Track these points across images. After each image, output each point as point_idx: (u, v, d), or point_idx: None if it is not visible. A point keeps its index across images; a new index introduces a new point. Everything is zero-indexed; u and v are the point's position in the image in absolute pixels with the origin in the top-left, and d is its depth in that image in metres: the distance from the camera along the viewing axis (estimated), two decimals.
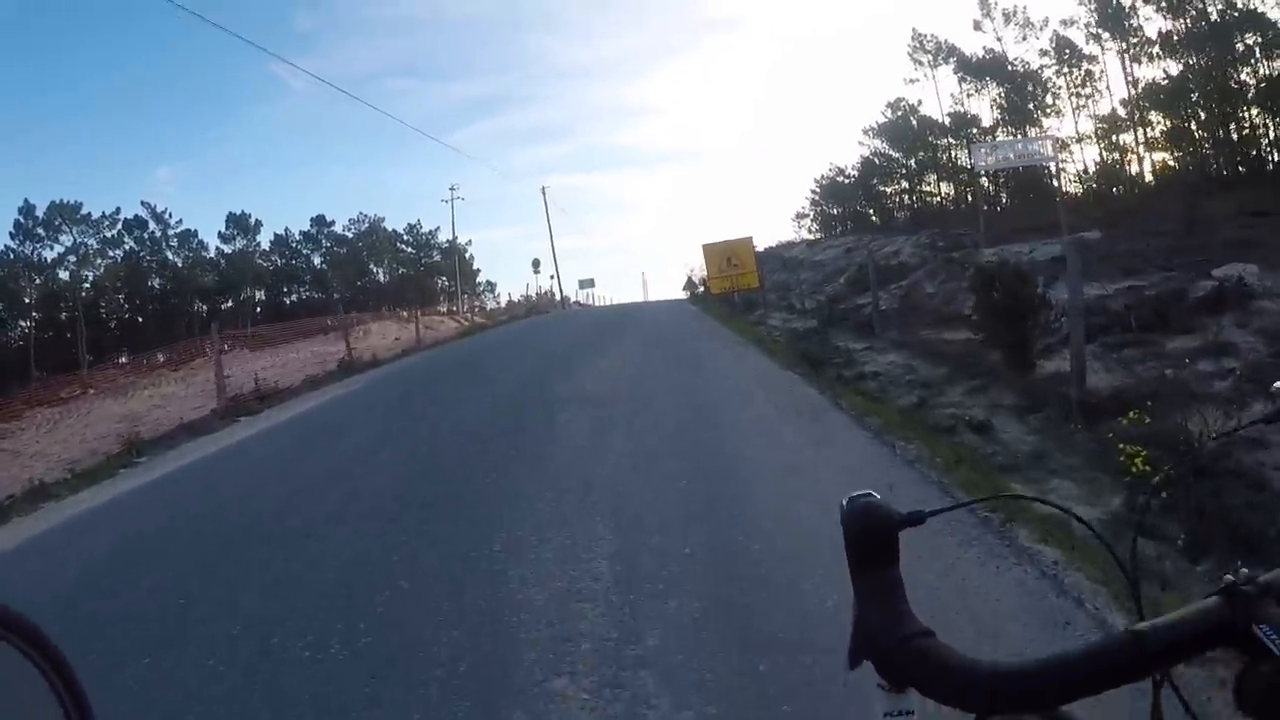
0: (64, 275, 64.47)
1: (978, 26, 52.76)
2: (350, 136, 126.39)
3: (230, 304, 76.31)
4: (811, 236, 58.83)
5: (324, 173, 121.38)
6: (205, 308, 75.53)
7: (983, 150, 21.44)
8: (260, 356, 37.71)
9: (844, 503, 0.83)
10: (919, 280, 18.87)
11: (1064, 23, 49.37)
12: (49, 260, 63.54)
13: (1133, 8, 45.13)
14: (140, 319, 70.26)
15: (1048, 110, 50.65)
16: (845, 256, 30.46)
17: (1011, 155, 21.40)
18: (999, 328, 9.93)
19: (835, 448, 7.33)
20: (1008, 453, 7.44)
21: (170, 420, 16.76)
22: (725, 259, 28.63)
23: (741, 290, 28.56)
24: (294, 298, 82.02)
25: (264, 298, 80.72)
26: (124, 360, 44.24)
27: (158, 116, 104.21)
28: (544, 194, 64.77)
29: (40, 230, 61.43)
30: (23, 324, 64.12)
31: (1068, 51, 49.24)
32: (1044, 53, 50.06)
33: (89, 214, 64.56)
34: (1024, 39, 51.31)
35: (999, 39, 51.82)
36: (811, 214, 71.92)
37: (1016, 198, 51.14)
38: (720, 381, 10.97)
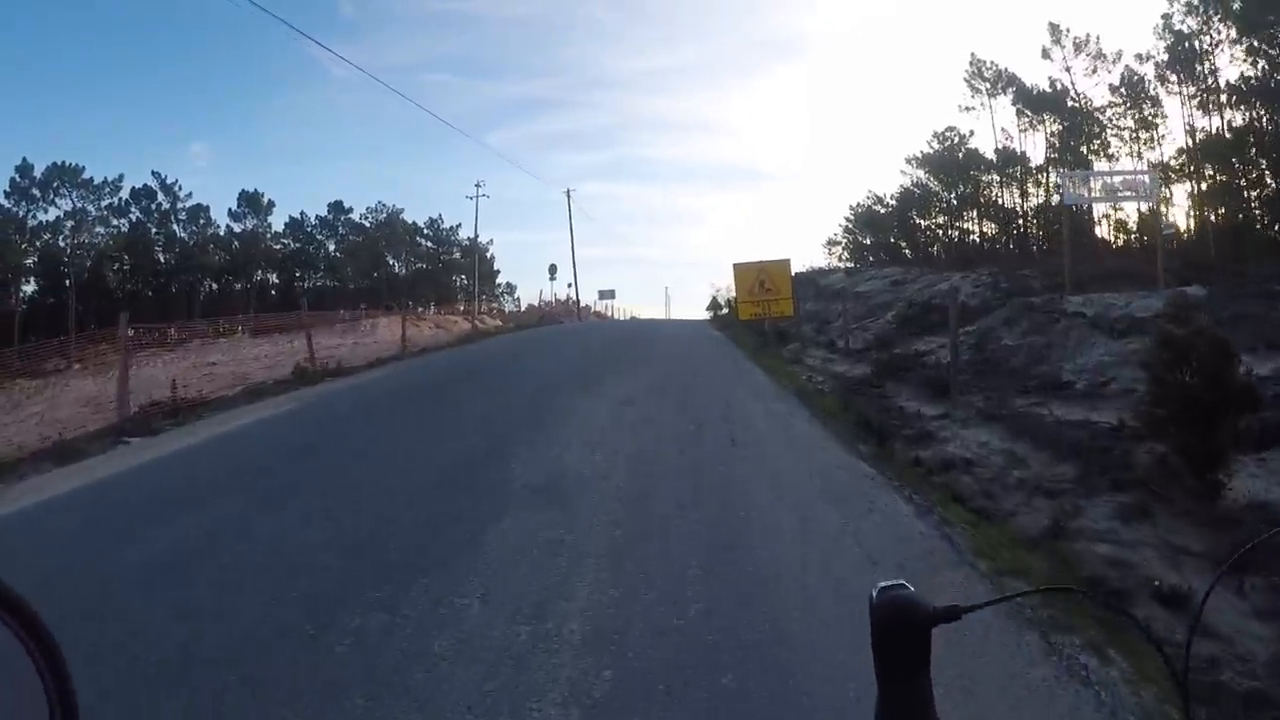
0: (61, 242, 61.86)
1: (1045, 54, 49.34)
2: (375, 126, 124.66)
3: (241, 285, 73.92)
4: (844, 265, 56.03)
5: (344, 159, 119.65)
6: (215, 286, 73.48)
7: (1075, 180, 18.14)
8: (219, 350, 34.99)
9: (873, 593, 0.79)
10: (992, 329, 15.63)
11: (1138, 57, 45.89)
12: (44, 224, 60.92)
13: (1206, 52, 41.85)
14: (150, 293, 67.71)
15: (1102, 154, 47.24)
16: (891, 290, 27.21)
17: (1105, 188, 18.19)
18: (1177, 422, 6.68)
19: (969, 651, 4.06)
20: (1238, 660, 4.23)
21: (62, 429, 13.81)
22: (758, 282, 25.36)
23: (773, 319, 25.37)
24: (307, 284, 79.56)
25: (277, 282, 78.30)
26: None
27: (186, 90, 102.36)
28: (568, 197, 61.89)
29: (36, 191, 58.62)
30: (24, 288, 61.76)
31: (1135, 90, 45.80)
32: (1113, 88, 46.49)
33: (90, 179, 61.95)
34: (1094, 71, 47.68)
35: (1068, 69, 48.39)
36: (844, 242, 70.32)
37: (1052, 241, 48.05)
38: (755, 466, 7.61)
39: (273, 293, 76.65)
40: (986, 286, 22.81)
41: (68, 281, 59.28)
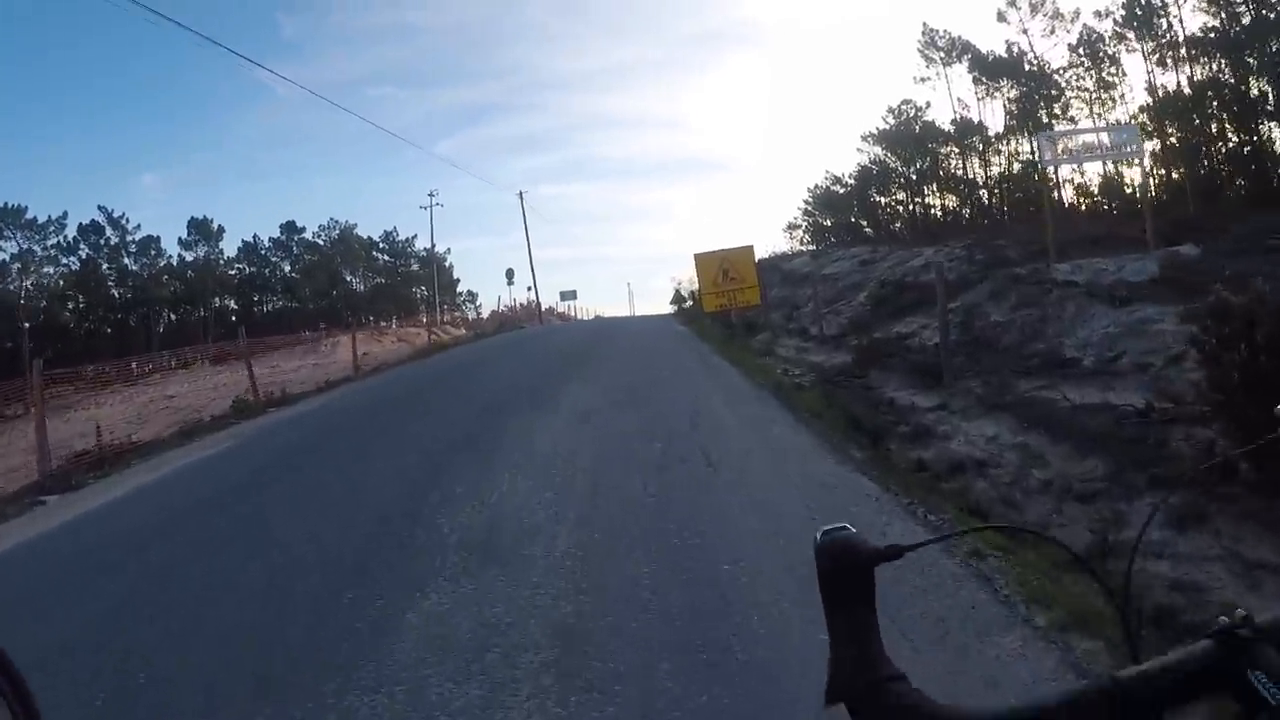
0: (10, 285, 59.69)
1: (1001, 17, 48.22)
2: (323, 143, 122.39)
3: (201, 313, 71.94)
4: (808, 248, 55.08)
5: (293, 179, 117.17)
6: (174, 317, 71.62)
7: (1049, 140, 17.01)
8: (179, 382, 33.76)
9: (818, 536, 0.80)
10: (978, 304, 14.52)
11: (1097, 14, 44.96)
12: None
13: (1164, 5, 41.03)
14: (108, 329, 65.67)
15: (1062, 117, 46.32)
16: (861, 270, 26.05)
17: (1085, 146, 17.05)
18: (1243, 406, 5.51)
19: None
20: None
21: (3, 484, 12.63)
22: (721, 271, 24.19)
23: (740, 309, 24.18)
24: (266, 307, 77.71)
25: (235, 307, 76.39)
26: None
27: (126, 122, 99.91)
28: (521, 199, 60.53)
29: None
30: None
31: (1095, 50, 44.89)
32: (1071, 48, 45.55)
33: (34, 218, 59.80)
34: (1051, 32, 46.72)
35: (1024, 30, 47.43)
36: (804, 225, 69.12)
37: (1018, 210, 47.30)
38: (737, 496, 6.13)
39: (232, 318, 74.89)
40: (962, 260, 21.71)
41: (26, 324, 57.07)
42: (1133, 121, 37.87)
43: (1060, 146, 16.96)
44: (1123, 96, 44.83)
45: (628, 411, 9.95)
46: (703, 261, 24.61)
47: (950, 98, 65.71)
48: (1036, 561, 4.63)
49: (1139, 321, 10.78)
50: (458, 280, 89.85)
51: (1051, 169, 21.13)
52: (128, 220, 67.22)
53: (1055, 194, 46.61)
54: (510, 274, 65.19)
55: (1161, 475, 6.33)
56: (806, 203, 68.97)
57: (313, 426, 12.13)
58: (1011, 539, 4.95)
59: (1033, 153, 49.12)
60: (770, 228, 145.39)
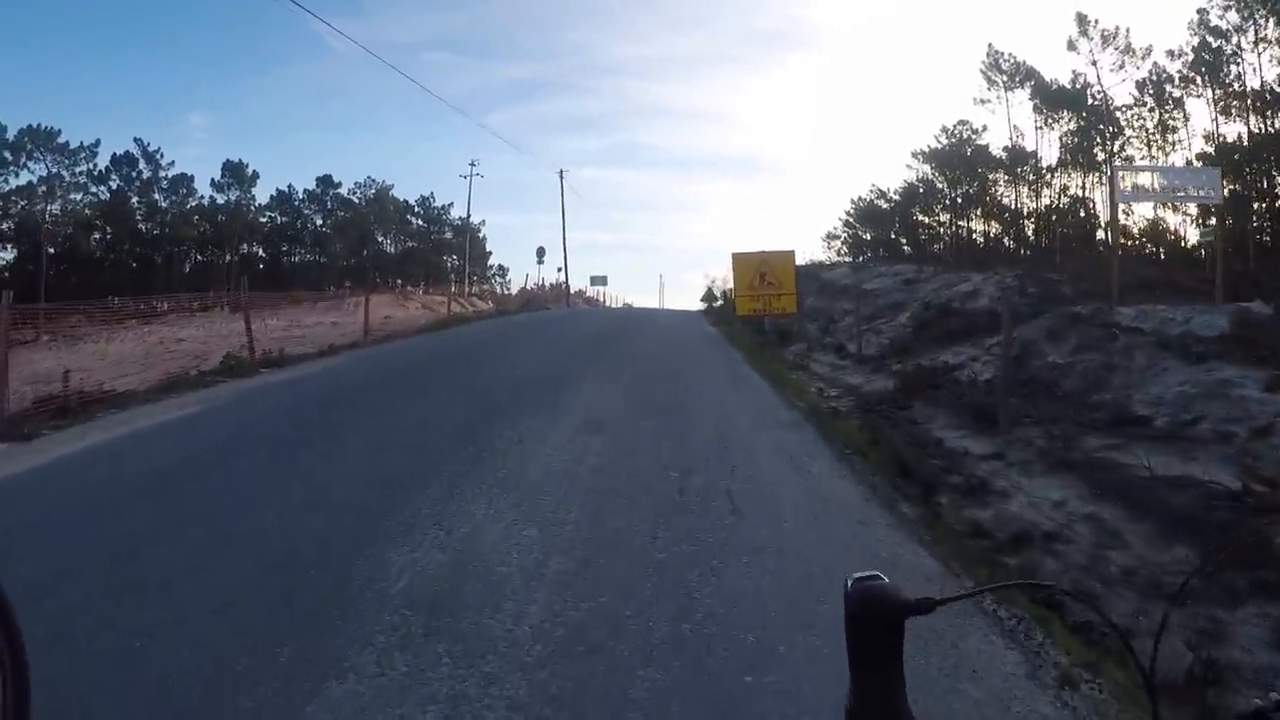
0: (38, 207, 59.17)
1: (1072, 45, 46.62)
2: (367, 101, 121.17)
3: (228, 258, 71.35)
4: (847, 259, 53.90)
5: (333, 134, 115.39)
6: (200, 258, 71.10)
7: (1128, 176, 15.79)
8: (196, 325, 33.26)
9: (849, 583, 0.78)
10: (1034, 341, 13.45)
11: (1169, 54, 43.36)
12: (18, 189, 57.98)
13: (1235, 53, 39.47)
14: (133, 263, 65.12)
15: (1117, 156, 44.87)
16: (904, 289, 24.98)
17: (1163, 185, 15.82)
18: None
19: None
20: None
21: None
22: (758, 274, 23.07)
23: (774, 315, 23.11)
24: (295, 258, 77.15)
25: (264, 256, 75.86)
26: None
27: (175, 59, 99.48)
28: (561, 177, 59.62)
29: (8, 154, 55.77)
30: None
31: (1161, 89, 43.32)
32: (1140, 85, 44.00)
33: (65, 143, 59.04)
34: (1121, 66, 45.14)
35: (1094, 62, 45.85)
36: (843, 236, 68.37)
37: (1058, 244, 45.99)
38: (768, 564, 4.82)
39: (260, 266, 74.47)
40: (1012, 290, 20.64)
41: (51, 250, 56.64)
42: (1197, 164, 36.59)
43: (1130, 183, 15.77)
44: (1180, 141, 43.40)
45: (644, 426, 8.89)
46: (740, 262, 23.52)
47: (1008, 123, 64.60)
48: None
49: (1219, 383, 9.74)
50: (489, 253, 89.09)
51: (1116, 206, 19.70)
52: (162, 155, 66.50)
53: (1104, 234, 45.53)
54: (541, 252, 64.59)
55: (1268, 579, 5.36)
56: (848, 214, 68.21)
57: (287, 404, 10.78)
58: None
59: (1083, 189, 48.00)
60: (808, 235, 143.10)
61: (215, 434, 8.88)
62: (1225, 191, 39.26)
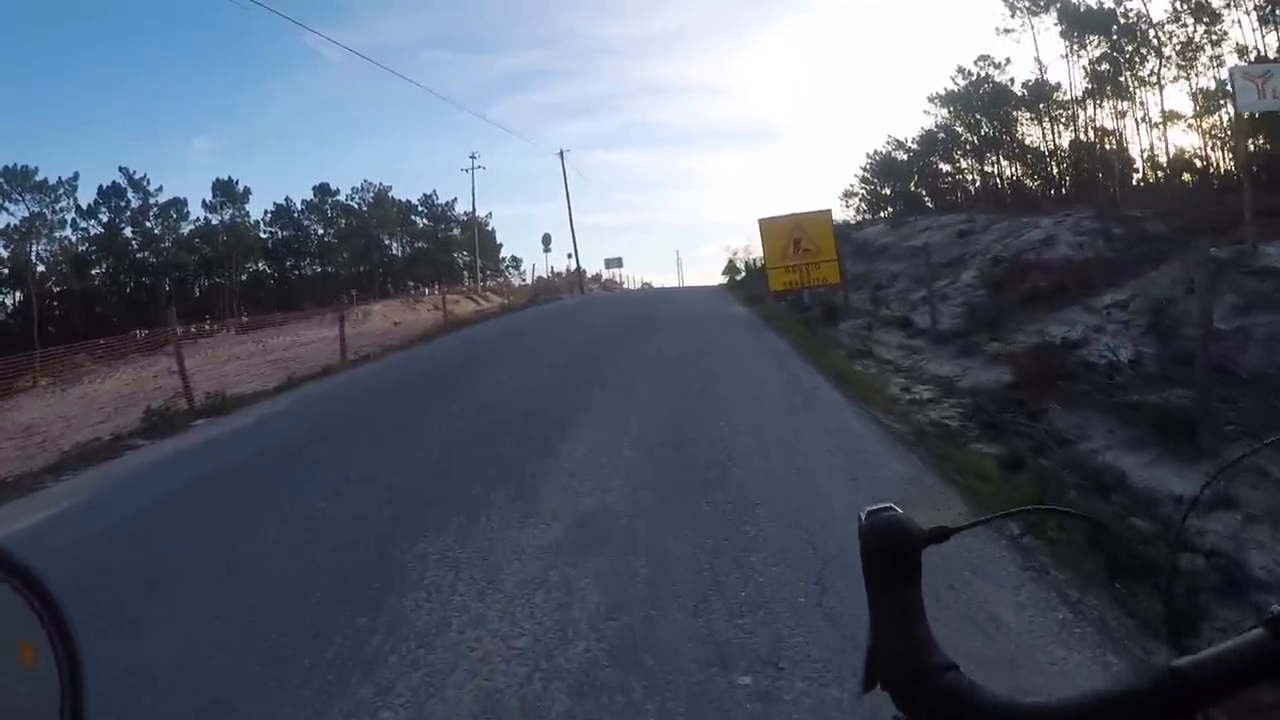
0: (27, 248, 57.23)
1: None
2: (355, 108, 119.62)
3: (231, 277, 69.07)
4: (864, 216, 50.72)
5: (323, 143, 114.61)
6: (207, 282, 68.97)
7: (1246, 76, 12.42)
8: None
9: (862, 516, 0.76)
10: (1172, 303, 10.23)
11: None
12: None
13: None
14: (143, 295, 63.01)
15: (1147, 81, 41.24)
16: (959, 243, 21.60)
17: None
18: None
19: None
20: None
21: None
22: (792, 241, 19.74)
23: (813, 287, 19.84)
24: (302, 271, 75.01)
25: (269, 272, 73.87)
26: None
27: (152, 86, 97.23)
28: (561, 158, 56.73)
29: None
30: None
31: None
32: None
33: (44, 180, 57.23)
34: None
35: None
36: (861, 193, 65.16)
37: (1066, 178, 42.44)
38: None
39: (270, 282, 72.53)
40: (1095, 233, 17.34)
41: (28, 291, 54.53)
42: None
43: (1257, 88, 12.46)
44: (1215, 59, 39.19)
45: (672, 527, 5.14)
46: (770, 229, 20.19)
47: (1035, 47, 61.14)
48: None
49: None
50: (500, 245, 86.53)
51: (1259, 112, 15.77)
52: (149, 181, 64.45)
53: (1140, 167, 42.04)
54: (546, 239, 62.16)
55: None
56: (864, 169, 64.99)
57: (192, 486, 7.69)
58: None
59: (1116, 117, 44.12)
60: (822, 196, 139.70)
61: (88, 537, 5.86)
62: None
